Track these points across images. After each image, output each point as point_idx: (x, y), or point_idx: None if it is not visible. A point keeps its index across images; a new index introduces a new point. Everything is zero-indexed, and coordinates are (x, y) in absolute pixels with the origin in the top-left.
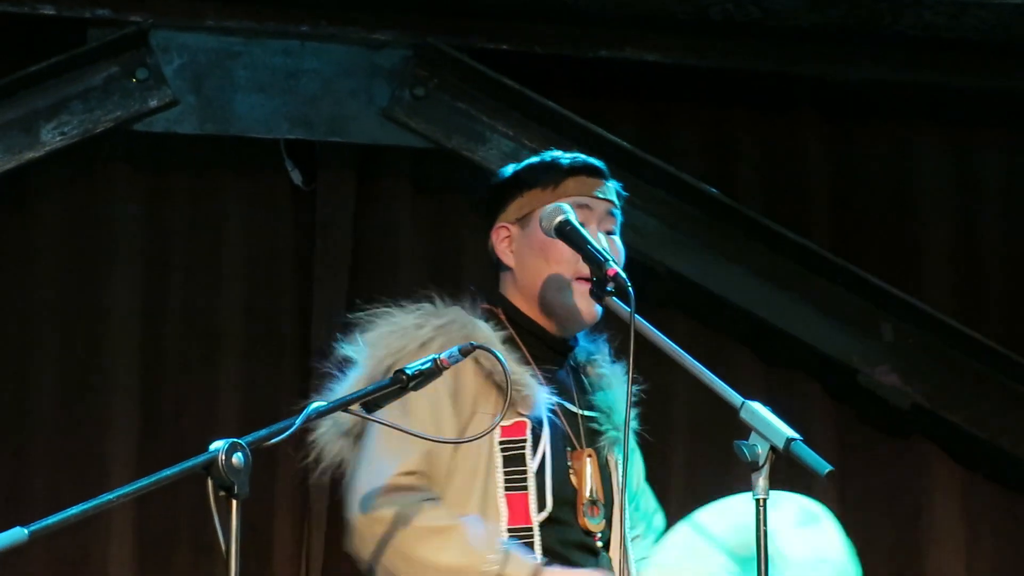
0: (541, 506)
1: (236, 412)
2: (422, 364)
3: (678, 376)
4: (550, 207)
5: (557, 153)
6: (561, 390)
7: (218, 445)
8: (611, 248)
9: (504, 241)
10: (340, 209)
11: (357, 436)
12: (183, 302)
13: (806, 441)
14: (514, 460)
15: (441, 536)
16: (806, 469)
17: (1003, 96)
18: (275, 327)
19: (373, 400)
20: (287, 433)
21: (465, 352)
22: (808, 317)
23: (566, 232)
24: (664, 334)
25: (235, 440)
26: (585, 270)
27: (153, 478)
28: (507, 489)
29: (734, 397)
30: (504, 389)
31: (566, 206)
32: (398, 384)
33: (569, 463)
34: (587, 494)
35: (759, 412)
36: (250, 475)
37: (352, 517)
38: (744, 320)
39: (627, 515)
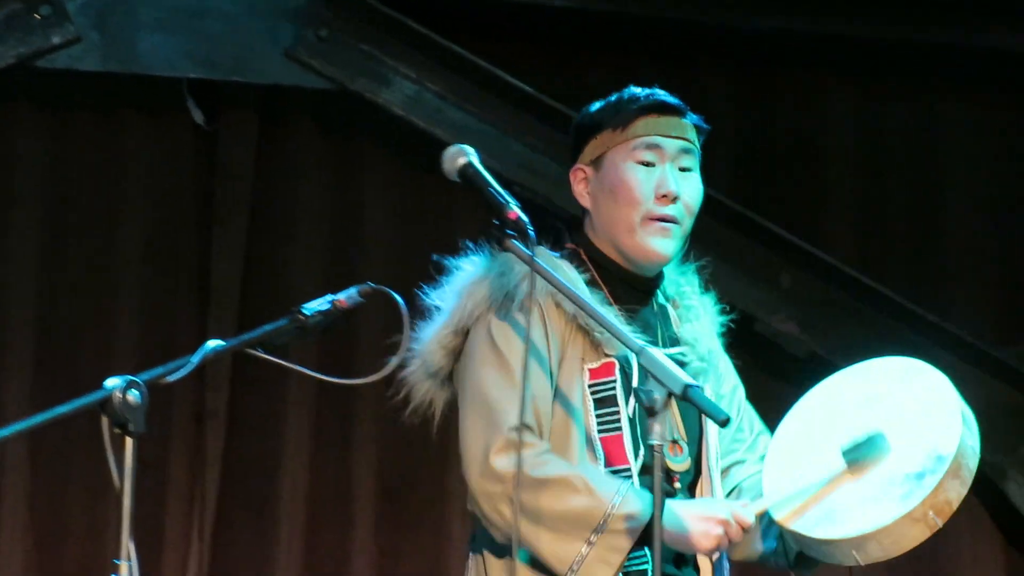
0: (636, 447)
1: (133, 350)
2: (320, 304)
3: None
4: (452, 149)
5: (636, 90)
6: (644, 329)
7: (114, 382)
8: (684, 186)
9: (581, 183)
10: (242, 149)
11: (444, 379)
12: (83, 240)
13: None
14: (605, 402)
15: (561, 485)
16: (704, 413)
17: (909, 47)
18: (174, 266)
19: (271, 340)
20: (184, 371)
21: (364, 293)
22: (707, 263)
23: (468, 175)
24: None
25: (132, 377)
26: (656, 209)
27: (48, 414)
28: (601, 432)
29: (633, 342)
30: (588, 332)
31: (468, 148)
32: (295, 324)
33: None
34: (667, 434)
35: (657, 358)
36: (146, 413)
37: (470, 476)
38: None
39: (715, 446)
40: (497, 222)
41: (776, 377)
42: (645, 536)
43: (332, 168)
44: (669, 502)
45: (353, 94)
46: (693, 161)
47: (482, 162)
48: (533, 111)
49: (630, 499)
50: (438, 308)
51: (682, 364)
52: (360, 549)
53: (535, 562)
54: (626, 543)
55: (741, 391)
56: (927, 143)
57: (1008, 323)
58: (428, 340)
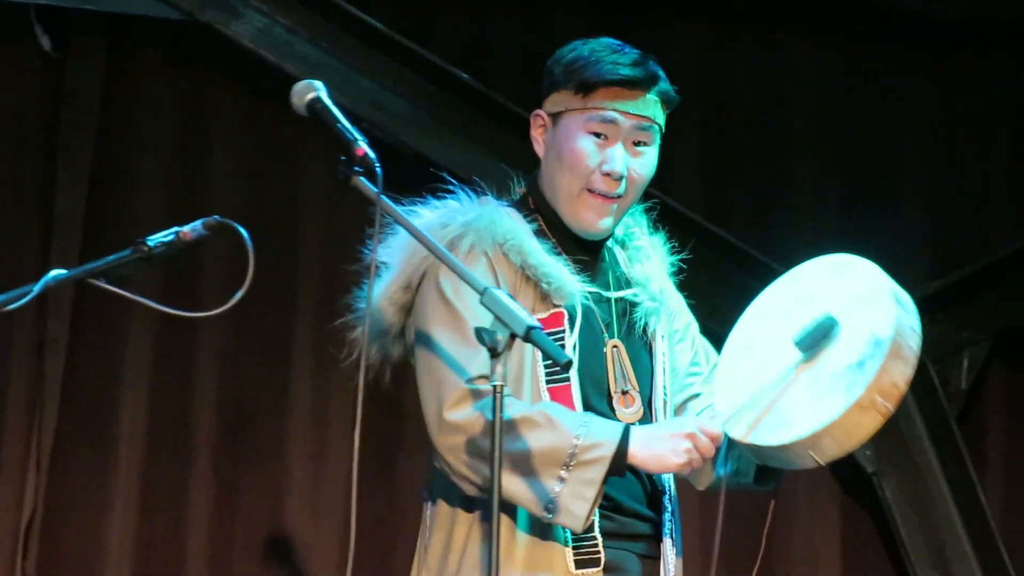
0: (584, 397)
1: None
2: (164, 236)
3: None
4: (301, 84)
5: (604, 53)
6: (594, 278)
7: None
8: (635, 163)
9: (539, 130)
10: (89, 77)
11: (396, 335)
12: None
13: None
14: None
15: (523, 424)
16: (545, 355)
17: None
18: (18, 193)
19: (114, 271)
20: (25, 300)
21: (209, 227)
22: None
23: (317, 110)
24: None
25: None
26: (596, 182)
27: None
28: (549, 382)
29: (477, 282)
30: (535, 282)
31: (318, 83)
32: (139, 255)
33: (604, 351)
34: (615, 384)
35: (501, 299)
36: None
37: (431, 435)
38: None
39: (663, 392)
40: (344, 158)
41: None
42: (619, 463)
43: (180, 99)
44: (634, 427)
45: (203, 25)
46: (651, 136)
47: (331, 98)
48: (384, 48)
49: (595, 429)
50: (385, 264)
51: (634, 304)
52: (199, 482)
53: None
54: (598, 474)
55: (694, 327)
56: (773, 88)
57: None
58: (378, 297)
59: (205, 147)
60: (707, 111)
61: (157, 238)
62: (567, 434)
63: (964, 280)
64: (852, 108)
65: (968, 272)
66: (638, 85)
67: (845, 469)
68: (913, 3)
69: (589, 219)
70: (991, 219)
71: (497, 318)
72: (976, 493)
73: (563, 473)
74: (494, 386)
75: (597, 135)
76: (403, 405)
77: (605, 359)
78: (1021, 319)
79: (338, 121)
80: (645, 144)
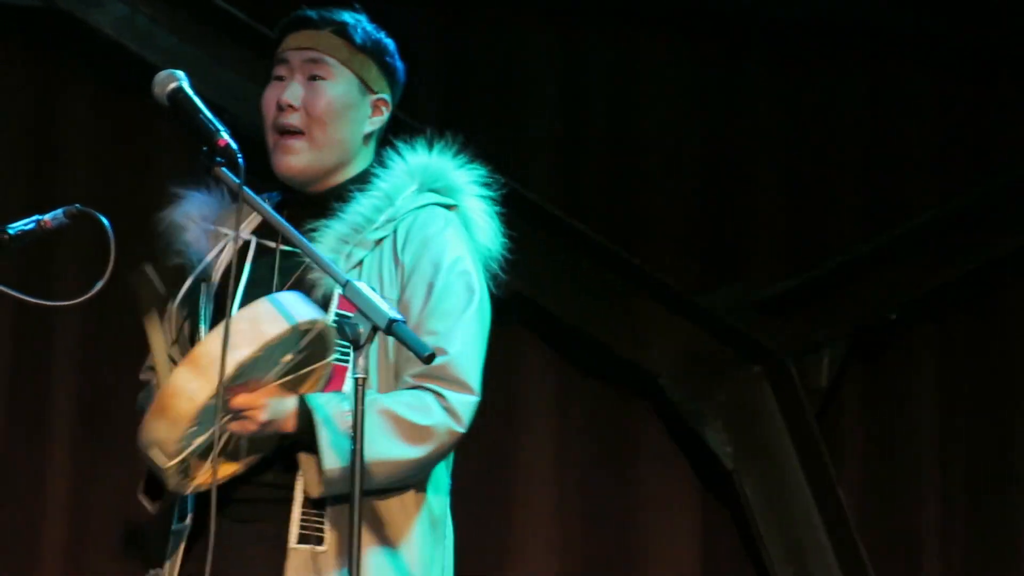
0: (183, 349)
1: None
2: (25, 224)
3: None
4: (163, 73)
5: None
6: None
7: None
8: (308, 95)
9: None
10: None
11: None
12: None
13: None
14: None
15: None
16: (408, 349)
17: None
18: None
19: None
20: None
21: (70, 215)
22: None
23: (179, 100)
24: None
25: None
26: (276, 120)
27: None
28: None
29: (339, 275)
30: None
31: (180, 73)
32: None
33: None
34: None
35: (364, 292)
36: None
37: None
38: None
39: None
40: (206, 149)
41: None
42: None
43: (38, 87)
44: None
45: (63, 13)
46: (327, 69)
47: (193, 88)
48: (245, 39)
49: None
50: None
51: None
52: (56, 470)
53: None
54: None
55: (419, 288)
56: (626, 83)
57: (706, 268)
58: None
59: (63, 136)
60: (561, 106)
61: (17, 226)
62: None
63: (820, 278)
64: (704, 107)
65: (824, 270)
66: (306, 24)
67: (705, 465)
68: (766, 5)
69: (280, 162)
70: (845, 217)
71: (359, 310)
72: (834, 491)
73: None
74: (356, 379)
75: (279, 79)
76: None
77: None
78: (878, 317)
79: (200, 111)
80: (321, 78)
